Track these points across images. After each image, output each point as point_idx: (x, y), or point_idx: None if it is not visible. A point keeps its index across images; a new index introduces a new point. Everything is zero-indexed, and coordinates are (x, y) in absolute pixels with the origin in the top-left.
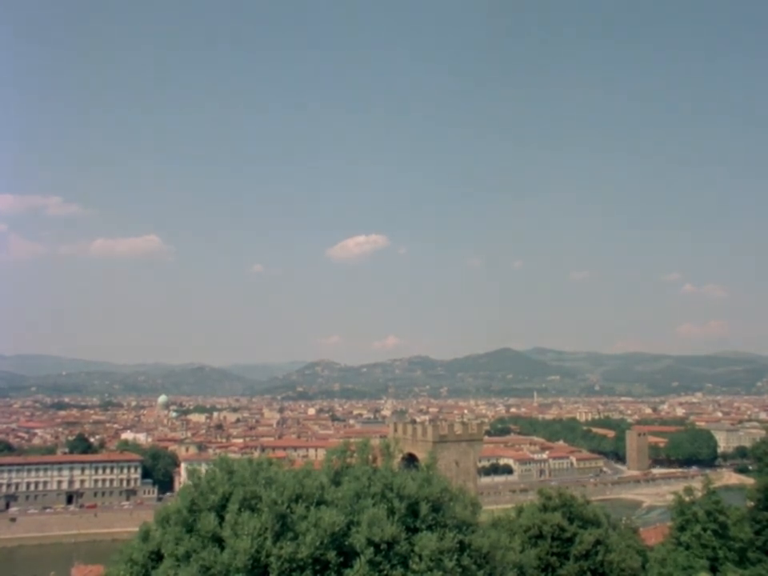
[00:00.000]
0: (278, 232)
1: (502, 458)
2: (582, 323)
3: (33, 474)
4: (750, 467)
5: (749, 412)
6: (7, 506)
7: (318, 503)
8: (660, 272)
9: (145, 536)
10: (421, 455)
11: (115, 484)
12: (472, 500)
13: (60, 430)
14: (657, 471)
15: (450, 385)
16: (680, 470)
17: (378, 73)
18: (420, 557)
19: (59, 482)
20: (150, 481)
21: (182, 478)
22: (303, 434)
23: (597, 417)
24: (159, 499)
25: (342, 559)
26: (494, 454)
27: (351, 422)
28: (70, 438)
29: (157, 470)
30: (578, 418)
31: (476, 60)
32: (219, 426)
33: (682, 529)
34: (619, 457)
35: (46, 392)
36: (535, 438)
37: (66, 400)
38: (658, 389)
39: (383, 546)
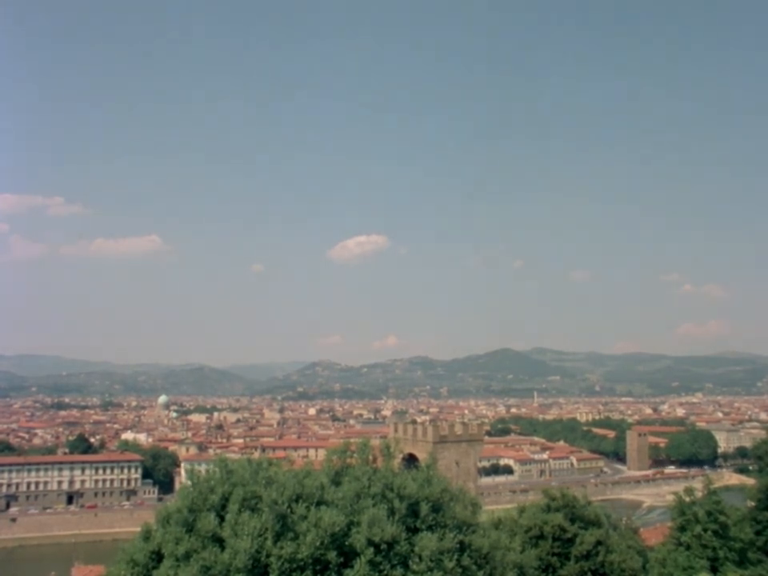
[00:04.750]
0: (278, 232)
1: (503, 459)
2: (582, 323)
3: (33, 474)
4: (751, 467)
5: (749, 412)
6: (7, 506)
7: (319, 503)
8: (660, 272)
9: (145, 536)
10: (421, 455)
11: (115, 484)
12: (472, 500)
13: (60, 430)
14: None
15: (450, 385)
16: (680, 470)
17: (377, 72)
18: (420, 557)
19: (59, 482)
20: (150, 481)
21: (182, 478)
22: (303, 434)
23: (597, 417)
24: (159, 499)
25: (342, 559)
26: (494, 454)
27: (351, 422)
28: (71, 438)
29: (157, 471)
30: (578, 418)
31: (476, 59)
32: (219, 427)
33: (682, 529)
34: (620, 457)
35: (46, 392)
36: (535, 439)
37: (67, 400)
38: (658, 389)
39: (383, 547)
